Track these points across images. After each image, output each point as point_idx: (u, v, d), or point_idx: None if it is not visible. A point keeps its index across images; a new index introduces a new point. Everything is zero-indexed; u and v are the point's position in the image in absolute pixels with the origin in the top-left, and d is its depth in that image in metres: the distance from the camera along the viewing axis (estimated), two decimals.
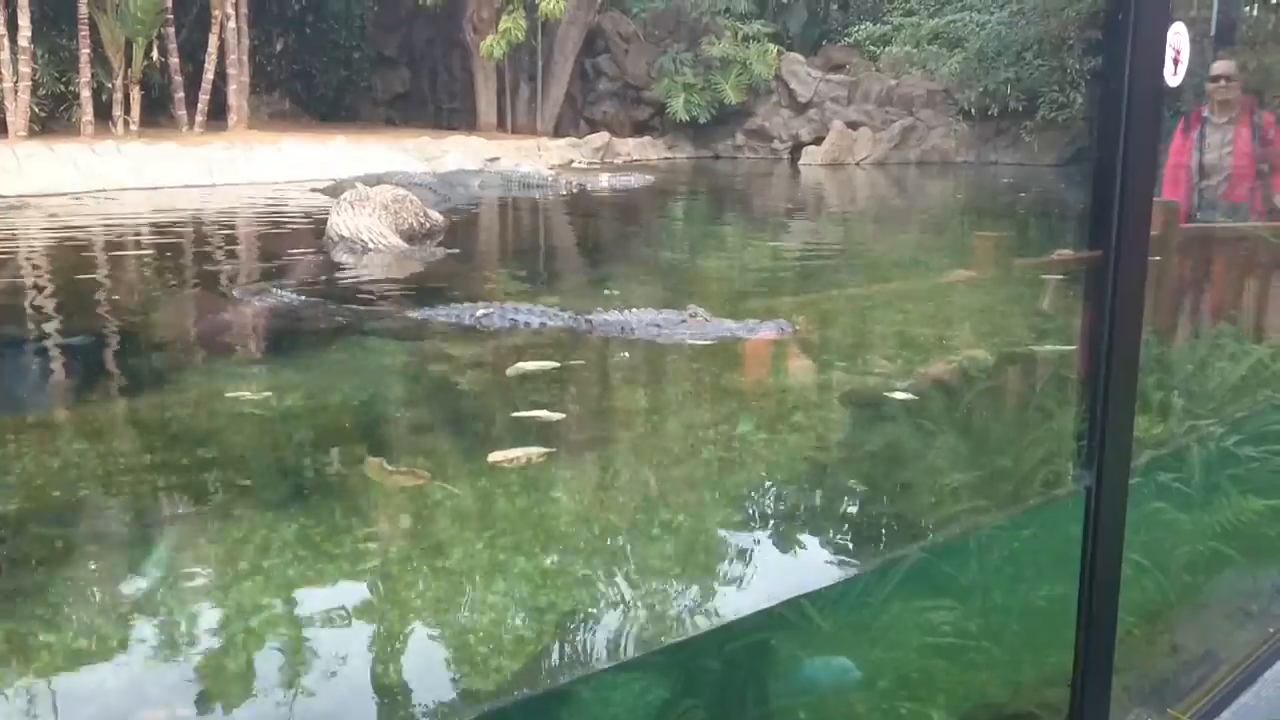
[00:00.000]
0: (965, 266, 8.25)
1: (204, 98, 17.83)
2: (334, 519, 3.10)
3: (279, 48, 21.65)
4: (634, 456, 3.86)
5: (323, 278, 7.71)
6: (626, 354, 5.28)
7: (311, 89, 22.21)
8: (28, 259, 8.97)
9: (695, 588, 2.74)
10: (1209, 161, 5.48)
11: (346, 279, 7.74)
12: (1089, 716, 1.93)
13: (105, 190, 13.66)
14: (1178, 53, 1.79)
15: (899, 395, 4.24)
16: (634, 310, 5.72)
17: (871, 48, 23.12)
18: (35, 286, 7.70)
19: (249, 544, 2.91)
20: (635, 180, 16.04)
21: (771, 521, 3.29)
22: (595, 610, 2.58)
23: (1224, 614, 3.14)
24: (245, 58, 18.50)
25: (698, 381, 4.90)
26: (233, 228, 11.89)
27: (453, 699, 2.24)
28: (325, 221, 9.27)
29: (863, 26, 23.18)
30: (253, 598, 2.60)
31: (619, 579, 2.80)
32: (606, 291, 7.18)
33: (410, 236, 9.40)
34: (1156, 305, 3.56)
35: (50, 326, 6.19)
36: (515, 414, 4.11)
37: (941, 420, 3.85)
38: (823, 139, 22.14)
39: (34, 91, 16.05)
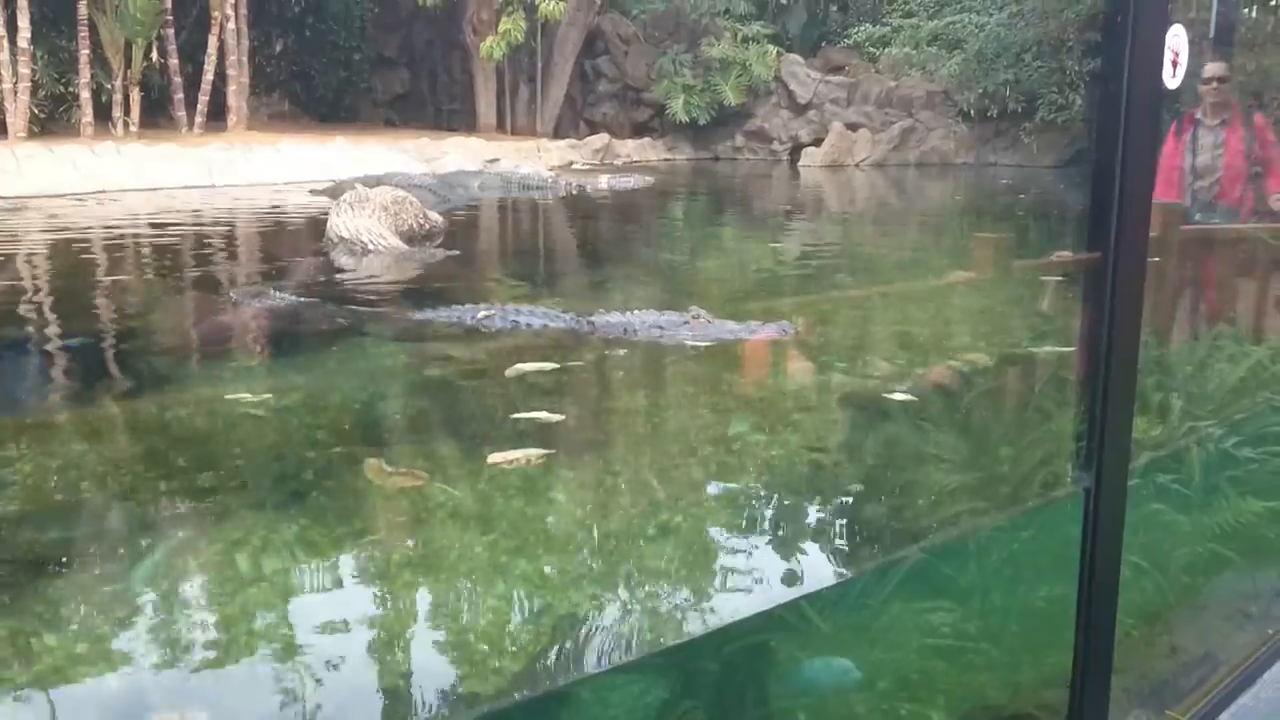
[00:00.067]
0: (964, 268, 8.25)
1: (203, 99, 17.83)
2: (333, 520, 3.10)
3: (278, 49, 21.65)
4: (635, 458, 3.86)
5: (322, 279, 7.71)
6: (629, 355, 5.28)
7: (311, 90, 22.21)
8: (26, 260, 8.97)
9: (694, 590, 2.74)
10: (1201, 163, 5.49)
11: (346, 280, 7.74)
12: (1088, 718, 1.93)
13: (105, 191, 13.67)
14: (1176, 55, 1.79)
15: (899, 397, 4.24)
16: (636, 312, 5.72)
17: (871, 49, 23.14)
18: (33, 288, 7.70)
19: (247, 546, 2.91)
20: (635, 182, 16.05)
21: (772, 523, 3.29)
22: (594, 612, 2.58)
23: (1223, 615, 3.14)
24: (245, 59, 18.50)
25: (701, 383, 4.90)
26: (232, 229, 11.89)
27: (452, 700, 2.24)
28: (325, 223, 9.27)
29: (862, 28, 23.21)
30: (251, 599, 2.60)
31: (617, 581, 2.80)
32: (607, 293, 7.18)
33: (410, 238, 9.40)
34: (1154, 306, 3.56)
35: (48, 328, 6.19)
36: (515, 415, 4.11)
37: (941, 422, 3.85)
38: (822, 140, 22.14)
39: (34, 93, 16.06)
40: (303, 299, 6.48)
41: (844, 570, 2.92)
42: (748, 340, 5.40)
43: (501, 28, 20.56)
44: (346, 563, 2.88)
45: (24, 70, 15.68)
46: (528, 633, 2.44)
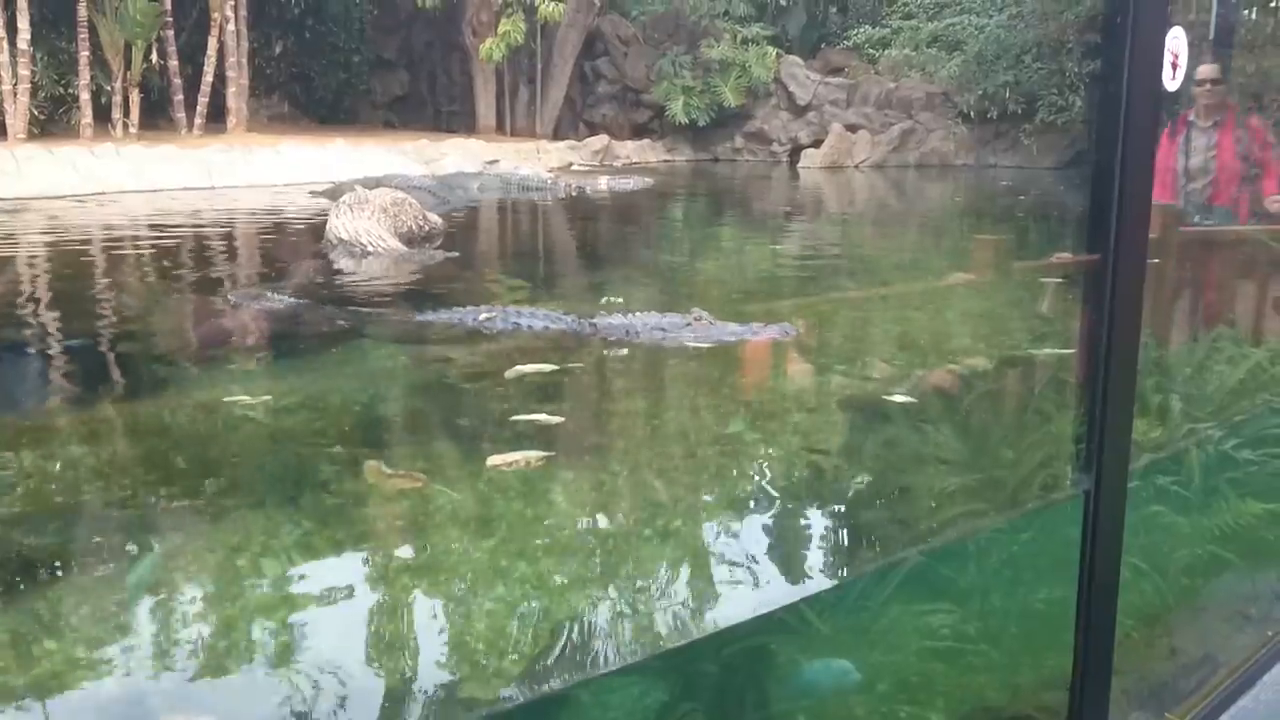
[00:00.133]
0: (964, 270, 8.26)
1: (203, 100, 17.83)
2: (331, 522, 3.10)
3: (278, 50, 21.66)
4: (636, 461, 3.86)
5: (322, 281, 7.71)
6: (631, 357, 5.27)
7: (310, 92, 22.21)
8: (25, 262, 8.97)
9: (693, 592, 2.74)
10: (1194, 165, 5.49)
11: (345, 282, 7.74)
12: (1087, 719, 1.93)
13: (104, 193, 13.67)
14: (1176, 57, 1.79)
15: (899, 399, 4.24)
16: (638, 314, 5.71)
17: (870, 51, 23.15)
18: (32, 290, 7.70)
19: (245, 547, 2.91)
20: (634, 183, 16.05)
21: (772, 526, 3.28)
22: (592, 615, 2.58)
23: (1222, 617, 3.14)
24: (244, 60, 18.50)
25: (704, 385, 4.90)
26: (231, 230, 11.89)
27: (451, 703, 2.23)
28: (324, 225, 9.27)
29: (862, 29, 23.21)
30: (248, 600, 2.60)
31: (616, 584, 2.80)
32: (608, 295, 7.18)
33: (409, 239, 9.40)
34: (1152, 308, 3.56)
35: (46, 330, 6.18)
36: (516, 417, 4.11)
37: (941, 424, 3.85)
38: (822, 142, 22.15)
39: (33, 94, 16.05)
40: (302, 301, 6.48)
41: (843, 573, 2.92)
42: (750, 342, 5.40)
43: (501, 29, 20.56)
44: (344, 564, 2.88)
45: (24, 72, 15.68)
46: (526, 635, 2.44)
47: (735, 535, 3.13)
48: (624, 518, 3.25)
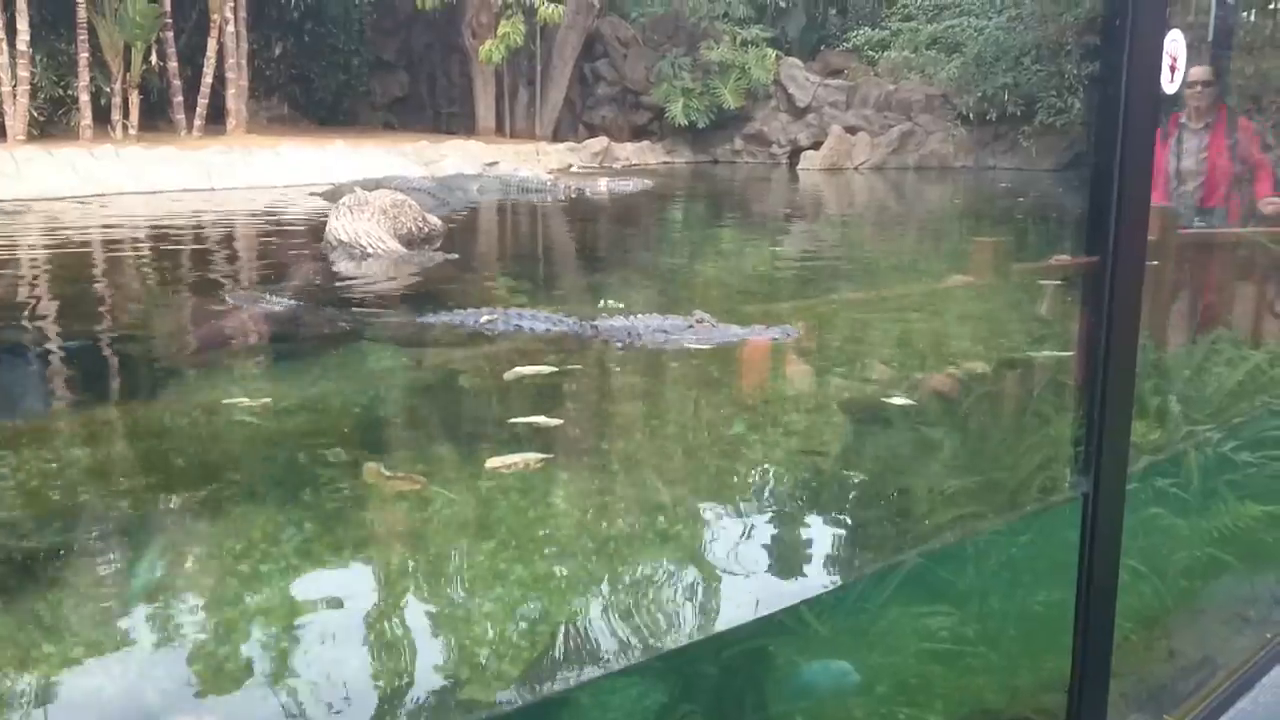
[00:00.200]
0: (963, 272, 8.26)
1: (203, 102, 17.83)
2: (330, 524, 3.10)
3: (278, 52, 21.66)
4: (636, 463, 3.86)
5: (321, 283, 7.71)
6: (634, 360, 5.27)
7: (310, 93, 22.22)
8: (24, 263, 8.97)
9: (692, 595, 2.74)
10: (1186, 167, 5.50)
11: (345, 284, 7.74)
12: None
13: (104, 194, 13.66)
14: (1174, 60, 1.79)
15: (899, 401, 4.25)
16: (640, 316, 5.71)
17: (870, 53, 23.15)
18: (31, 291, 7.70)
19: (243, 548, 2.91)
20: (634, 185, 16.06)
21: (772, 529, 3.29)
22: (591, 617, 2.58)
23: (1221, 620, 3.14)
24: (244, 62, 18.51)
25: (708, 387, 4.90)
26: (231, 232, 11.89)
27: (449, 705, 2.23)
28: (324, 226, 9.27)
29: (861, 31, 23.21)
30: (248, 601, 2.60)
31: (614, 585, 2.80)
32: (608, 297, 7.18)
33: (409, 241, 9.40)
34: (1148, 310, 3.56)
35: (45, 331, 6.18)
36: (518, 420, 4.11)
37: (941, 427, 3.85)
38: (821, 144, 22.15)
39: (33, 96, 16.06)
40: (302, 303, 6.48)
41: (842, 575, 2.92)
42: (752, 344, 5.40)
43: (500, 31, 20.57)
44: (342, 566, 2.88)
45: (23, 73, 15.69)
46: (525, 637, 2.43)
47: (735, 538, 3.13)
48: (622, 520, 3.25)
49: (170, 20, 17.47)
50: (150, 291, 7.73)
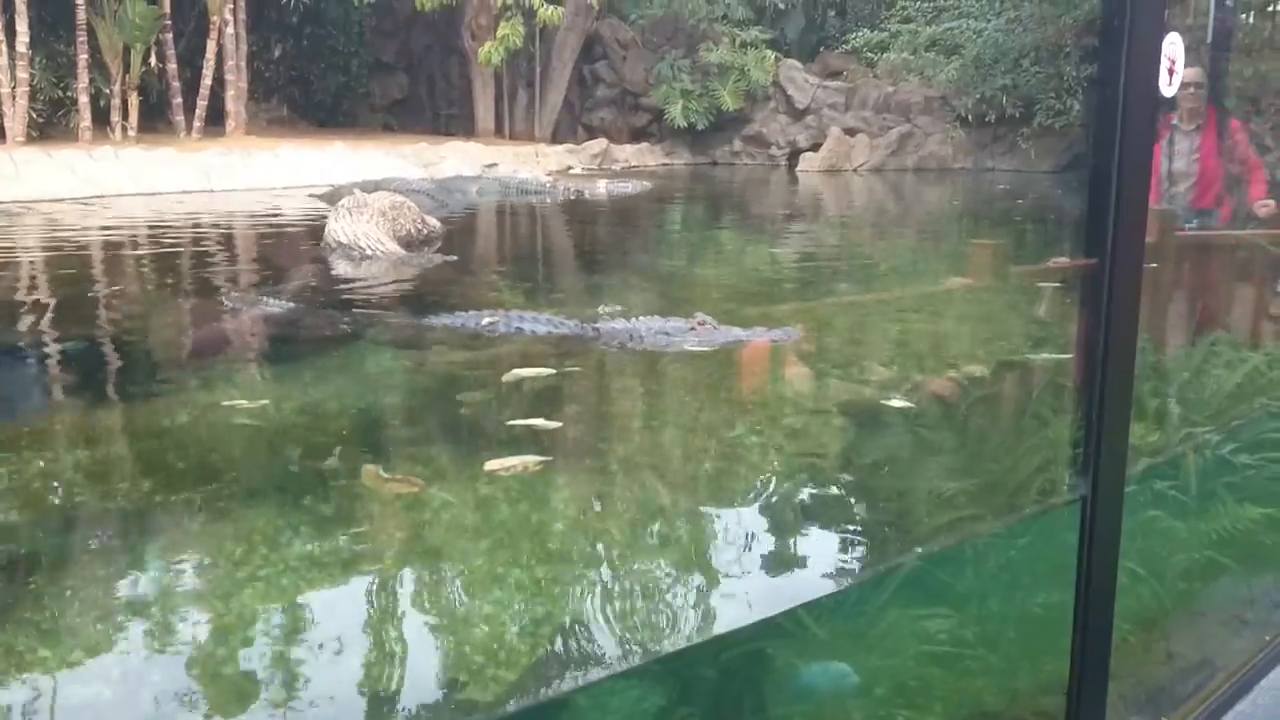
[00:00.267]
0: (962, 274, 8.26)
1: (202, 104, 17.83)
2: (328, 526, 3.09)
3: (277, 54, 21.66)
4: (636, 465, 3.86)
5: (320, 285, 7.71)
6: (636, 362, 5.27)
7: (309, 95, 22.21)
8: (23, 265, 8.96)
9: (689, 598, 2.74)
10: (1177, 168, 5.50)
11: (344, 286, 7.73)
12: None
13: (103, 196, 13.66)
14: (1172, 63, 1.79)
15: (899, 404, 4.25)
16: (642, 318, 5.70)
17: (869, 54, 23.15)
18: (29, 293, 7.69)
19: (242, 549, 2.90)
20: (633, 186, 16.06)
21: (771, 531, 3.28)
22: (588, 620, 2.58)
23: (1220, 622, 3.14)
24: (243, 64, 18.51)
25: (709, 389, 4.90)
26: (230, 234, 11.89)
27: (448, 708, 2.23)
28: (323, 228, 9.27)
29: (860, 33, 23.21)
30: (247, 604, 2.60)
31: (612, 587, 2.80)
32: (608, 299, 7.17)
33: (408, 243, 9.39)
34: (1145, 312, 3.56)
35: (43, 333, 6.17)
36: (518, 422, 4.10)
37: (940, 429, 3.85)
38: (820, 145, 22.16)
39: (32, 97, 16.05)
40: (301, 305, 6.47)
41: (839, 578, 2.92)
42: (754, 347, 5.40)
43: (500, 33, 20.57)
44: (340, 567, 2.87)
45: (22, 75, 15.68)
46: (523, 640, 2.43)
47: (733, 541, 3.13)
48: (621, 522, 3.25)
49: (170, 22, 17.46)
50: (149, 293, 7.73)
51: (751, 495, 3.57)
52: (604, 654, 2.43)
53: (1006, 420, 3.66)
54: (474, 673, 2.29)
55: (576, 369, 5.11)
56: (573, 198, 15.09)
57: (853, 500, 3.53)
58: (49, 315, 6.71)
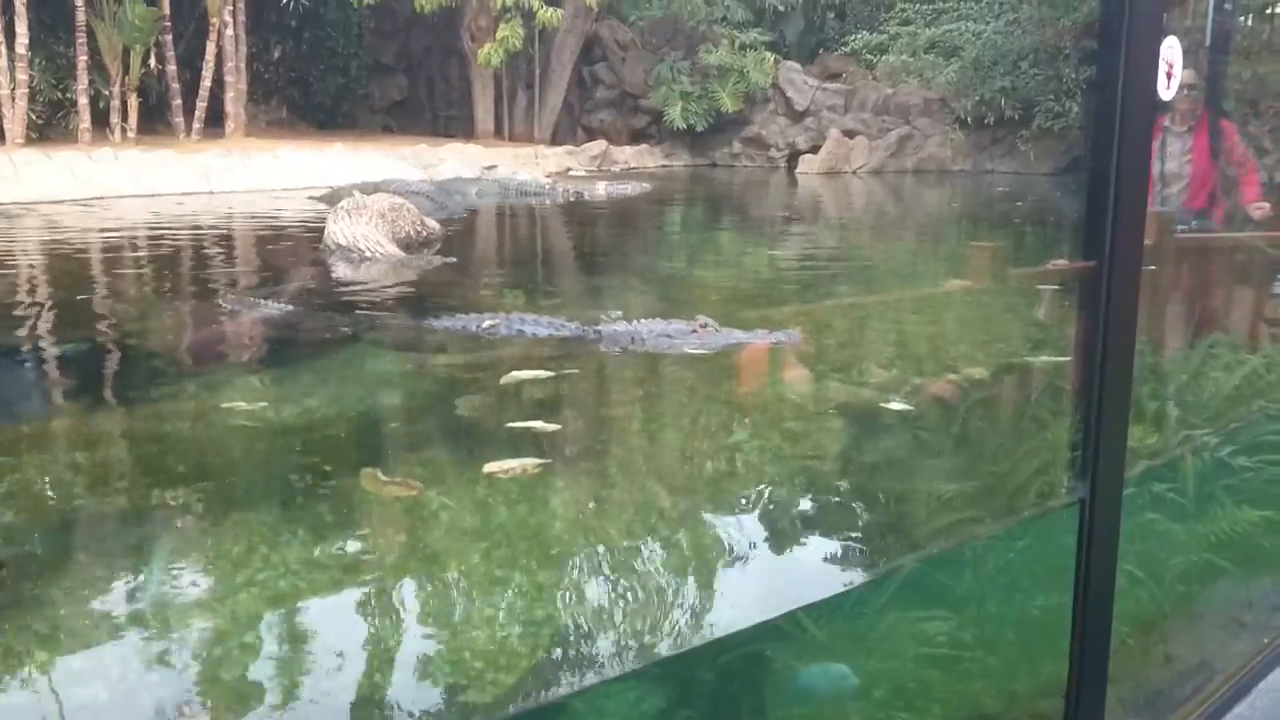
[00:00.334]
0: (961, 276, 8.27)
1: (201, 105, 17.83)
2: (328, 529, 3.09)
3: (277, 55, 21.65)
4: (635, 468, 3.86)
5: (319, 287, 7.70)
6: (638, 365, 5.27)
7: (309, 96, 22.21)
8: (22, 267, 8.96)
9: (688, 601, 2.74)
10: (1169, 170, 5.51)
11: (343, 288, 7.73)
12: None
13: (102, 198, 13.66)
14: (1170, 66, 1.80)
15: (898, 406, 4.25)
16: (643, 321, 5.70)
17: (868, 56, 23.15)
18: (29, 295, 7.69)
19: (240, 551, 2.90)
20: (633, 188, 16.06)
21: (770, 533, 3.28)
22: (586, 622, 2.58)
23: (1218, 624, 3.14)
24: (243, 65, 18.51)
25: (711, 392, 4.90)
26: (229, 235, 11.89)
27: (445, 709, 2.23)
28: (322, 229, 9.27)
29: (859, 35, 23.21)
30: (246, 606, 2.60)
31: (610, 589, 2.80)
32: (609, 302, 7.17)
33: (407, 245, 9.39)
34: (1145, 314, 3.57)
35: (41, 335, 6.17)
36: (517, 425, 4.10)
37: (939, 431, 3.86)
38: (819, 147, 22.16)
39: (31, 99, 16.05)
40: (299, 307, 6.47)
41: (837, 581, 2.92)
42: (755, 349, 5.40)
43: (499, 34, 20.57)
44: (338, 569, 2.87)
45: (22, 76, 15.68)
46: (522, 643, 2.43)
47: (731, 543, 3.13)
48: (619, 525, 3.25)
49: (169, 24, 17.46)
50: (147, 295, 7.73)
51: (751, 498, 3.57)
52: (601, 657, 2.44)
53: (1005, 423, 3.67)
54: (473, 677, 2.29)
55: (576, 371, 5.11)
56: (572, 199, 15.09)
57: (852, 503, 3.53)
58: (48, 317, 6.71)
